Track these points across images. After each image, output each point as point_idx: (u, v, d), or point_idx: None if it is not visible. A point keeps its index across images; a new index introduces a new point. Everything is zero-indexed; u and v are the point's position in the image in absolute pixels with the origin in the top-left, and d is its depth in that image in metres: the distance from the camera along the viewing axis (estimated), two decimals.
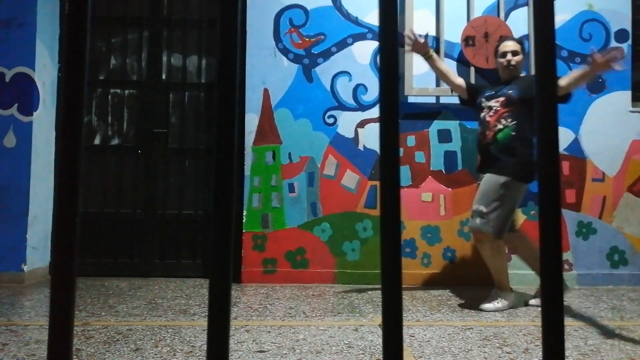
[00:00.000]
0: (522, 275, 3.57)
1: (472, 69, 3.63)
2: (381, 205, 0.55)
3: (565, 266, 3.59)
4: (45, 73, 3.62)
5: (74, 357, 1.89)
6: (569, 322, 2.52)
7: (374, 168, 3.61)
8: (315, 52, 3.67)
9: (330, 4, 3.69)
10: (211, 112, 3.85)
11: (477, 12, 3.68)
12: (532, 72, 3.61)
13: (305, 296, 3.14)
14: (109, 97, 3.84)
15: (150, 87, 3.84)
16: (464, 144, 3.66)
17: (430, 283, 3.54)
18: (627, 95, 3.70)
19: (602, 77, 3.70)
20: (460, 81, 3.16)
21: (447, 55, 3.67)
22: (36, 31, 3.51)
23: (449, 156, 3.65)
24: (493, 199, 2.73)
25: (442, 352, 2.02)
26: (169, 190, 3.79)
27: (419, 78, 3.64)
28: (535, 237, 3.50)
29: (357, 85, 3.66)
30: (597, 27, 3.71)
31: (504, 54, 2.95)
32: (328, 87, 3.66)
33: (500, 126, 2.81)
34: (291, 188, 3.61)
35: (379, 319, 2.55)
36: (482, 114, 2.92)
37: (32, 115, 3.50)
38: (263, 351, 2.01)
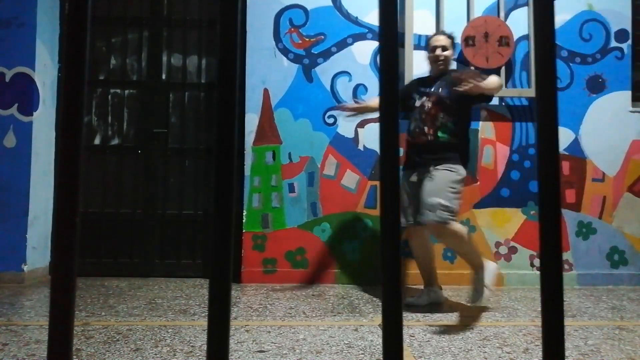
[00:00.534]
0: (522, 274, 3.57)
1: (472, 69, 3.62)
2: (381, 205, 0.55)
3: (566, 266, 3.59)
4: (45, 73, 3.62)
5: (74, 357, 1.89)
6: (569, 322, 2.52)
7: (374, 168, 3.61)
8: (315, 52, 3.67)
9: (330, 4, 3.69)
10: (211, 112, 3.85)
11: (477, 12, 3.68)
12: (532, 72, 3.61)
13: (305, 296, 3.14)
14: (109, 97, 3.84)
15: (150, 87, 3.84)
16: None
17: None
18: (627, 95, 3.70)
19: (602, 77, 3.71)
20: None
21: None
22: (36, 31, 3.51)
23: None
24: (454, 191, 2.72)
25: (442, 352, 2.02)
26: (169, 190, 3.79)
27: None
28: (535, 237, 3.50)
29: (357, 85, 3.66)
30: (597, 27, 3.71)
31: (434, 49, 2.90)
32: (328, 87, 3.66)
33: (438, 123, 2.77)
34: (291, 188, 3.61)
35: (379, 319, 2.55)
36: (417, 111, 2.86)
37: (32, 115, 3.50)
38: (263, 351, 2.01)
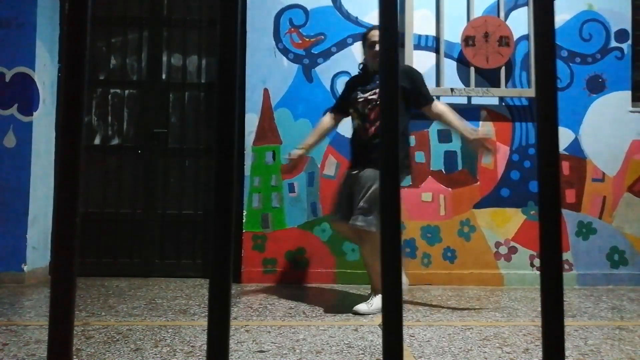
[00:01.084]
0: (522, 274, 3.57)
1: (472, 69, 3.63)
2: (381, 205, 0.55)
3: (566, 266, 3.59)
4: (45, 73, 3.62)
5: (74, 357, 1.89)
6: (569, 322, 2.52)
7: None
8: (315, 52, 3.67)
9: (330, 4, 3.69)
10: (211, 112, 3.85)
11: (477, 12, 3.68)
12: (532, 72, 3.61)
13: (305, 296, 3.14)
14: (109, 97, 3.84)
15: (150, 87, 3.84)
16: (464, 144, 3.66)
17: (430, 283, 3.55)
18: (627, 95, 3.70)
19: (602, 77, 3.71)
20: (328, 120, 2.99)
21: (447, 55, 3.68)
22: (36, 31, 3.51)
23: (449, 156, 3.65)
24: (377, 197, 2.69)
25: (442, 352, 2.02)
26: (169, 190, 3.79)
27: None
28: (535, 237, 3.50)
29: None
30: (597, 27, 3.72)
31: (373, 44, 2.80)
32: (328, 87, 3.66)
33: (379, 122, 2.72)
34: (291, 188, 3.61)
35: (379, 319, 2.55)
36: (360, 108, 2.79)
37: (32, 115, 3.50)
38: (263, 351, 2.01)
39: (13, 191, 3.44)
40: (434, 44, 3.70)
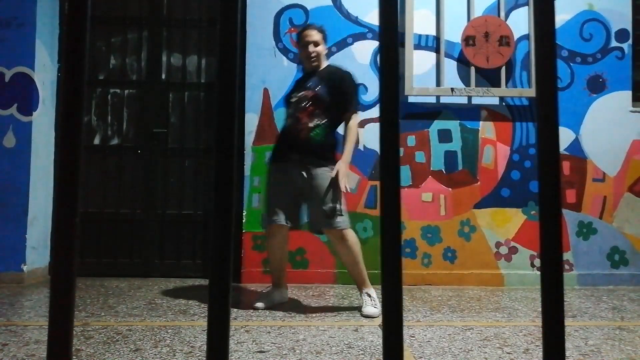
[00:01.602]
0: (522, 275, 3.57)
1: (472, 69, 3.63)
2: (381, 205, 0.55)
3: (566, 266, 3.59)
4: (45, 73, 3.62)
5: (74, 357, 1.89)
6: (569, 322, 2.52)
7: (374, 168, 3.61)
8: None
9: (330, 3, 3.69)
10: (211, 112, 3.85)
11: (478, 11, 3.68)
12: (533, 72, 3.61)
13: (305, 296, 3.14)
14: (109, 97, 3.84)
15: (150, 87, 3.84)
16: (464, 144, 3.66)
17: (430, 283, 3.54)
18: (627, 95, 3.70)
19: (603, 77, 3.71)
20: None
21: (447, 55, 3.67)
22: (36, 31, 3.51)
23: (449, 156, 3.65)
24: (340, 193, 2.68)
25: (442, 353, 2.02)
26: (169, 190, 3.78)
27: (419, 78, 3.63)
28: (536, 237, 3.50)
29: (357, 85, 3.65)
30: (597, 27, 3.71)
31: (306, 44, 2.81)
32: None
33: (312, 124, 2.70)
34: None
35: (379, 319, 2.55)
36: (292, 109, 2.79)
37: (31, 115, 3.50)
38: (263, 351, 2.01)
39: (13, 191, 3.43)
40: (434, 44, 3.69)
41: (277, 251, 2.82)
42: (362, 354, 1.99)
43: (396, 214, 0.54)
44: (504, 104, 3.68)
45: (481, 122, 3.66)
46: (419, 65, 3.63)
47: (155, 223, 3.76)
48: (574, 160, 3.67)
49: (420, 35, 3.67)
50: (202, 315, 2.59)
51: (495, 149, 3.66)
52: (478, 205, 3.63)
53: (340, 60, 3.67)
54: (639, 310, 2.85)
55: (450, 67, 3.67)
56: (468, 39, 3.62)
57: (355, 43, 3.68)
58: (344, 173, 2.69)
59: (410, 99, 3.64)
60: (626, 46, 3.71)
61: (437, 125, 3.65)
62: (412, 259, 3.58)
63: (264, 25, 3.67)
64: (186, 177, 3.80)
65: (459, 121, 3.66)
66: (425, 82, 3.65)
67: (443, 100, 3.66)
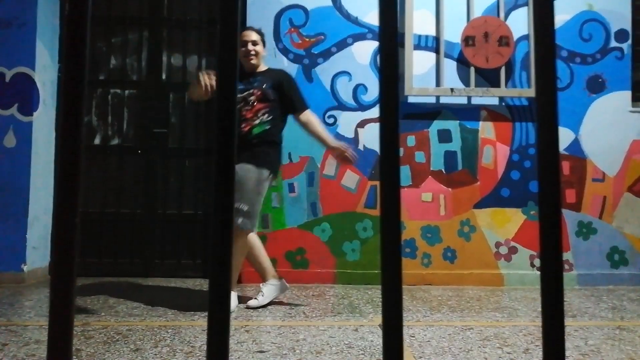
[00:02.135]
0: (522, 275, 3.57)
1: (472, 69, 3.63)
2: (381, 205, 0.55)
3: (566, 266, 3.59)
4: (45, 73, 3.62)
5: (74, 357, 1.89)
6: (569, 322, 2.52)
7: (374, 168, 3.61)
8: (315, 52, 3.67)
9: (330, 4, 3.69)
10: (211, 112, 3.84)
11: (477, 12, 3.68)
12: (532, 72, 3.61)
13: (305, 296, 3.14)
14: (109, 97, 3.84)
15: (150, 87, 3.84)
16: (464, 144, 3.66)
17: (430, 283, 3.55)
18: (627, 95, 3.70)
19: (602, 77, 3.71)
20: None
21: (447, 55, 3.68)
22: (36, 31, 3.51)
23: (449, 156, 3.65)
24: (256, 194, 2.69)
25: (442, 353, 2.02)
26: (169, 190, 3.78)
27: (419, 78, 3.64)
28: (535, 237, 3.50)
29: (357, 85, 3.66)
30: (597, 27, 3.72)
31: (244, 44, 2.86)
32: (328, 87, 3.66)
33: (257, 121, 2.75)
34: (291, 188, 3.61)
35: (379, 319, 2.55)
36: (238, 107, 2.84)
37: (32, 115, 3.50)
38: (263, 351, 2.01)
39: (13, 191, 3.43)
40: (434, 44, 3.70)
41: (243, 253, 2.79)
42: (362, 354, 1.99)
43: (396, 214, 0.54)
44: (503, 104, 3.68)
45: (481, 122, 3.66)
46: (419, 66, 3.63)
47: (156, 223, 3.76)
48: (573, 160, 3.67)
49: (419, 36, 3.68)
50: (202, 315, 2.60)
51: (495, 149, 3.66)
52: (478, 205, 3.63)
53: (340, 60, 3.68)
54: (638, 310, 2.85)
55: (449, 67, 3.68)
56: (468, 39, 3.62)
57: (355, 43, 3.68)
58: (339, 144, 2.86)
59: (410, 99, 3.64)
60: (625, 46, 3.71)
61: (437, 125, 3.65)
62: (412, 259, 3.58)
63: (264, 26, 3.66)
64: (186, 177, 3.80)
65: (458, 121, 3.66)
66: (425, 82, 3.65)
67: (443, 100, 3.66)
